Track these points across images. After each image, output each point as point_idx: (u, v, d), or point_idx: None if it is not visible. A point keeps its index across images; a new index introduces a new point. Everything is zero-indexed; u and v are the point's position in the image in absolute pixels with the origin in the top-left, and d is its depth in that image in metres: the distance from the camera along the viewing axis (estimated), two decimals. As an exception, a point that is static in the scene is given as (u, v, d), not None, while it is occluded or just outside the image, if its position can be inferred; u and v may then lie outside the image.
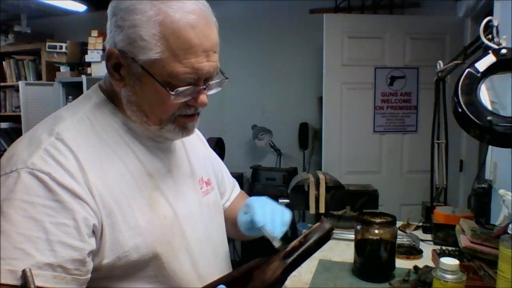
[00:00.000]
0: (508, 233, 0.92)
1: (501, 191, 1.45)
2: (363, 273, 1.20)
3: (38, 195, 0.65)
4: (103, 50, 3.39)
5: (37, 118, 3.36)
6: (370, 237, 1.18)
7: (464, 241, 1.23)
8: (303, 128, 3.61)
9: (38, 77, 3.85)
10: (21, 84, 3.47)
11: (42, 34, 4.02)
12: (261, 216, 0.86)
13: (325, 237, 0.75)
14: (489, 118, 0.97)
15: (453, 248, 1.32)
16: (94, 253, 0.70)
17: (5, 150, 3.90)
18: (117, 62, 0.74)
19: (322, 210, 1.81)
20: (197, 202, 0.89)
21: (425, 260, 1.30)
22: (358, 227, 1.21)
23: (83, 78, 3.35)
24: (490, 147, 1.85)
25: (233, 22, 3.48)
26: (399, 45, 3.04)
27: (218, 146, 3.47)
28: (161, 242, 0.77)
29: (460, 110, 1.02)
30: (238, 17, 3.59)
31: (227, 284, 0.72)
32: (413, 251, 1.38)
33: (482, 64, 1.03)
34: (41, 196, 0.65)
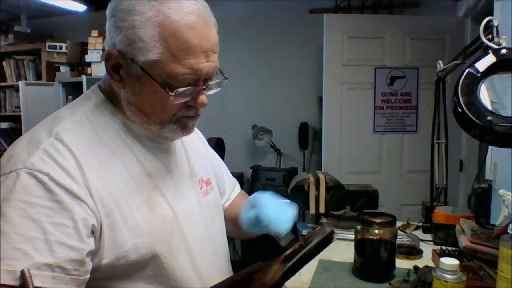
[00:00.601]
0: (508, 233, 0.92)
1: (501, 191, 1.45)
2: (363, 273, 1.20)
3: (37, 196, 0.65)
4: (103, 50, 3.39)
5: (37, 118, 3.37)
6: (370, 237, 1.18)
7: (464, 241, 1.23)
8: (303, 128, 3.61)
9: (38, 77, 3.85)
10: (21, 84, 3.47)
11: (42, 34, 4.02)
12: (266, 214, 0.86)
13: (326, 241, 0.76)
14: (489, 118, 0.97)
15: (453, 248, 1.32)
16: (93, 254, 0.70)
17: (5, 150, 3.89)
18: (117, 63, 0.74)
19: (322, 210, 1.81)
20: (196, 202, 0.89)
21: (425, 260, 1.30)
22: (358, 227, 1.21)
23: (83, 78, 3.35)
24: (490, 147, 1.85)
25: (233, 22, 3.48)
26: (399, 45, 3.04)
27: (218, 146, 3.47)
28: (161, 242, 0.77)
29: (460, 110, 1.02)
30: (238, 17, 3.60)
31: (228, 287, 0.72)
32: (413, 251, 1.38)
33: (482, 64, 1.03)
34: (40, 197, 0.65)
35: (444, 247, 1.36)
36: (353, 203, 1.80)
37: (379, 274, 1.18)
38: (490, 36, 1.10)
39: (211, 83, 0.77)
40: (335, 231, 1.56)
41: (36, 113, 3.44)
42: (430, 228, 1.55)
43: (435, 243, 1.47)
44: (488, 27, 1.11)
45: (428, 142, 1.73)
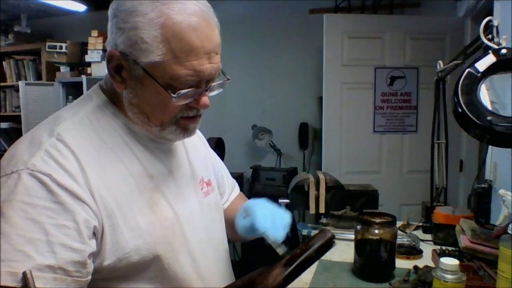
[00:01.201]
0: (508, 233, 0.92)
1: (501, 191, 1.45)
2: (363, 273, 1.20)
3: (38, 197, 0.65)
4: (103, 50, 3.39)
5: (37, 118, 3.37)
6: (370, 237, 1.18)
7: (464, 241, 1.23)
8: (303, 128, 3.61)
9: (38, 77, 3.85)
10: (21, 84, 3.47)
11: (42, 34, 4.02)
12: (262, 222, 0.86)
13: (327, 245, 0.76)
14: (489, 118, 0.97)
15: (453, 248, 1.32)
16: (94, 255, 0.70)
17: (5, 150, 3.90)
18: (119, 64, 0.74)
19: (322, 210, 1.81)
20: (197, 203, 0.89)
21: (425, 260, 1.30)
22: (358, 227, 1.21)
23: (83, 78, 3.36)
24: (490, 147, 1.85)
25: (233, 22, 3.48)
26: (399, 45, 3.04)
27: (218, 146, 3.47)
28: (162, 243, 0.77)
29: (460, 110, 1.02)
30: (238, 17, 3.60)
31: None
32: (413, 251, 1.37)
33: (482, 64, 1.03)
34: (41, 198, 0.65)
35: (444, 247, 1.36)
36: (353, 203, 1.80)
37: (379, 274, 1.18)
38: (490, 36, 1.10)
39: (213, 84, 0.77)
40: (335, 231, 1.57)
41: (36, 113, 3.44)
42: (430, 228, 1.55)
43: (435, 243, 1.47)
44: (488, 27, 1.11)
45: (428, 142, 1.73)
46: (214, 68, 0.74)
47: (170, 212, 0.81)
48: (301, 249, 0.76)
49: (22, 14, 3.80)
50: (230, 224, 1.00)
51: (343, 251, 1.38)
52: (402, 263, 1.26)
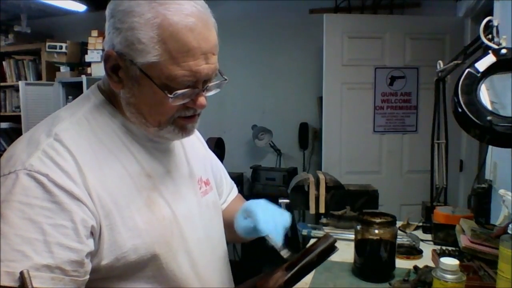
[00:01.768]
0: (508, 233, 0.92)
1: (501, 191, 1.45)
2: (363, 273, 1.20)
3: (36, 197, 0.65)
4: (103, 50, 3.38)
5: (37, 118, 3.36)
6: (370, 237, 1.18)
7: (464, 241, 1.23)
8: (303, 128, 3.61)
9: (38, 77, 3.85)
10: (21, 84, 3.47)
11: (42, 34, 4.02)
12: (264, 224, 0.86)
13: (329, 250, 0.76)
14: (489, 118, 0.97)
15: (453, 248, 1.32)
16: (92, 254, 0.70)
17: (5, 150, 3.89)
18: (115, 64, 0.74)
19: (322, 210, 1.81)
20: (195, 202, 0.89)
21: (425, 260, 1.30)
22: (358, 227, 1.21)
23: (83, 78, 3.36)
24: (490, 147, 1.85)
25: (233, 22, 3.47)
26: (399, 45, 3.04)
27: (218, 146, 3.47)
28: (160, 243, 0.77)
29: (460, 110, 1.02)
30: (238, 17, 3.60)
31: None
32: (413, 251, 1.37)
33: (482, 64, 1.03)
34: (39, 198, 0.65)
35: (444, 247, 1.36)
36: (353, 203, 1.80)
37: (379, 274, 1.18)
38: (490, 36, 1.10)
39: (210, 84, 0.77)
40: (335, 231, 1.57)
41: (36, 113, 3.44)
42: (430, 228, 1.55)
43: (435, 243, 1.47)
44: (488, 27, 1.11)
45: (428, 142, 1.73)
46: (211, 68, 0.74)
47: (168, 211, 0.81)
48: (303, 254, 0.76)
49: (22, 14, 3.80)
50: (228, 226, 1.01)
51: (343, 251, 1.37)
52: (402, 263, 1.26)
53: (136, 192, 0.76)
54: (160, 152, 0.84)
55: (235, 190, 1.17)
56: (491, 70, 1.03)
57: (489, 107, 1.02)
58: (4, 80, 3.91)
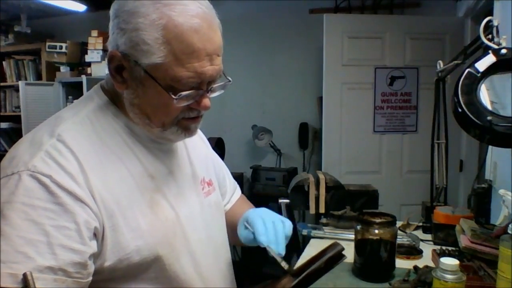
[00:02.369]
0: (508, 233, 0.92)
1: (501, 191, 1.45)
2: (363, 273, 1.20)
3: (39, 198, 0.65)
4: (103, 50, 3.39)
5: (37, 118, 3.37)
6: (370, 237, 1.18)
7: (464, 241, 1.23)
8: (303, 128, 3.61)
9: (38, 77, 3.86)
10: (21, 84, 3.47)
11: (42, 34, 4.03)
12: (264, 236, 0.85)
13: (337, 257, 0.76)
14: (489, 118, 0.98)
15: (453, 248, 1.32)
16: (95, 256, 0.70)
17: (5, 150, 3.91)
18: (120, 64, 0.73)
19: (322, 210, 1.81)
20: (198, 203, 0.89)
21: (425, 260, 1.30)
22: (358, 227, 1.21)
23: (83, 78, 3.35)
24: (490, 147, 1.85)
25: (233, 22, 3.47)
26: (399, 45, 3.04)
27: (218, 146, 3.47)
28: (163, 244, 0.77)
29: (460, 110, 1.02)
30: (238, 17, 3.60)
31: None
32: (413, 251, 1.37)
33: (482, 64, 1.03)
34: (42, 199, 0.65)
35: (444, 247, 1.36)
36: (353, 203, 1.80)
37: (379, 274, 1.18)
38: (490, 36, 1.10)
39: (214, 86, 0.77)
40: (335, 231, 1.57)
41: (36, 113, 3.44)
42: (430, 228, 1.55)
43: (435, 243, 1.47)
44: (488, 27, 1.11)
45: (428, 142, 1.73)
46: (216, 70, 0.74)
47: (171, 212, 0.80)
48: (310, 261, 0.76)
49: (22, 14, 3.80)
50: (232, 228, 1.00)
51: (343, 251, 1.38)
52: (402, 263, 1.26)
53: (138, 193, 0.76)
54: (163, 153, 0.84)
55: (238, 190, 1.16)
56: (491, 70, 1.03)
57: (489, 107, 1.02)
58: (4, 80, 3.91)
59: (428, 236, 1.54)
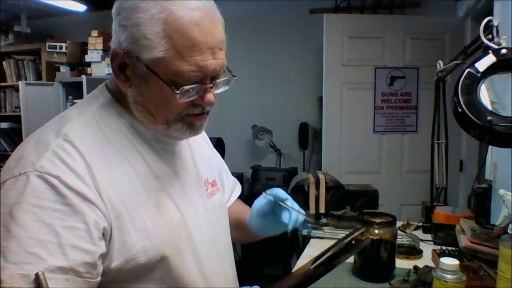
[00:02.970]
0: (508, 233, 0.92)
1: (501, 191, 1.45)
2: (363, 273, 1.20)
3: (48, 199, 0.65)
4: (103, 50, 3.39)
5: (37, 118, 3.37)
6: (370, 237, 1.18)
7: (464, 241, 1.23)
8: (303, 128, 3.61)
9: (38, 77, 3.85)
10: (21, 84, 3.47)
11: (42, 34, 4.03)
12: (283, 193, 0.95)
13: (358, 240, 0.75)
14: (489, 118, 0.97)
15: (453, 248, 1.32)
16: (103, 256, 0.70)
17: (5, 150, 3.92)
18: (122, 62, 0.73)
19: (322, 210, 1.81)
20: (202, 204, 0.89)
21: (425, 260, 1.30)
22: (358, 226, 1.21)
23: (83, 78, 3.35)
24: (490, 147, 1.85)
25: (233, 22, 3.43)
26: (399, 45, 3.04)
27: (218, 146, 3.47)
28: (169, 244, 0.77)
29: (460, 110, 1.02)
30: (238, 17, 3.59)
31: None
32: (413, 251, 1.38)
33: (482, 64, 1.03)
34: (51, 200, 0.65)
35: (444, 247, 1.36)
36: (353, 203, 1.80)
37: (379, 274, 1.18)
38: (490, 36, 1.10)
39: (218, 81, 0.76)
40: (335, 231, 1.57)
41: (36, 113, 3.44)
42: (430, 228, 1.55)
43: (435, 243, 1.47)
44: (488, 27, 1.11)
45: (428, 142, 1.73)
46: (219, 64, 0.73)
47: (177, 213, 0.80)
48: (332, 246, 0.76)
49: (22, 14, 3.80)
50: (232, 224, 1.01)
51: (343, 251, 1.38)
52: (402, 263, 1.26)
53: (145, 194, 0.76)
54: (167, 153, 0.84)
55: (238, 188, 1.16)
56: (491, 70, 1.03)
57: (489, 107, 1.02)
58: (4, 80, 3.91)
59: (428, 236, 1.54)
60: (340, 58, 3.05)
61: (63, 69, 3.66)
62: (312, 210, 1.82)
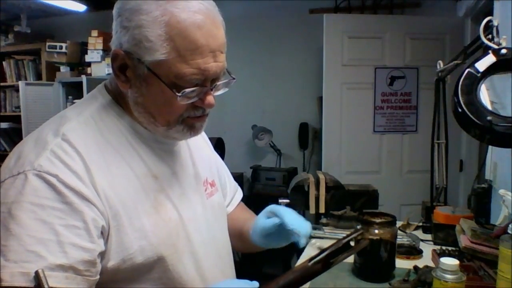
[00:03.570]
0: (508, 233, 0.93)
1: (501, 191, 1.45)
2: (363, 273, 1.20)
3: (46, 198, 0.65)
4: (103, 50, 3.39)
5: (37, 118, 3.37)
6: (370, 237, 1.18)
7: (464, 241, 1.23)
8: (303, 128, 3.61)
9: (38, 77, 3.85)
10: (21, 84, 3.47)
11: (42, 34, 4.02)
12: (291, 220, 0.86)
13: (358, 241, 0.75)
14: (489, 118, 0.97)
15: (453, 248, 1.32)
16: (101, 255, 0.70)
17: (5, 150, 3.91)
18: (123, 63, 0.73)
19: (322, 210, 1.81)
20: (201, 204, 0.89)
21: (425, 260, 1.30)
22: (358, 227, 1.21)
23: (83, 78, 3.35)
24: (490, 147, 1.85)
25: (233, 22, 3.43)
26: (399, 45, 3.04)
27: (218, 146, 3.47)
28: (166, 244, 0.77)
29: (460, 110, 1.02)
30: (238, 17, 3.59)
31: None
32: (413, 251, 1.38)
33: (482, 64, 1.03)
34: (49, 199, 0.65)
35: (444, 247, 1.36)
36: (353, 203, 1.80)
37: (379, 274, 1.18)
38: (490, 36, 1.10)
39: (218, 83, 0.76)
40: (335, 231, 1.57)
41: (36, 113, 3.44)
42: (430, 228, 1.55)
43: (435, 243, 1.47)
44: (488, 27, 1.11)
45: (428, 142, 1.73)
46: (219, 66, 0.73)
47: (174, 213, 0.80)
48: (332, 244, 0.75)
49: (22, 14, 3.80)
50: (234, 234, 1.01)
51: (343, 251, 1.38)
52: (402, 263, 1.26)
53: (143, 194, 0.76)
54: (166, 153, 0.84)
55: (239, 193, 1.15)
56: (491, 70, 1.03)
57: (489, 107, 1.02)
58: (4, 80, 3.91)
59: (428, 236, 1.54)
60: (340, 58, 3.05)
61: (63, 69, 3.66)
62: (312, 210, 1.82)
